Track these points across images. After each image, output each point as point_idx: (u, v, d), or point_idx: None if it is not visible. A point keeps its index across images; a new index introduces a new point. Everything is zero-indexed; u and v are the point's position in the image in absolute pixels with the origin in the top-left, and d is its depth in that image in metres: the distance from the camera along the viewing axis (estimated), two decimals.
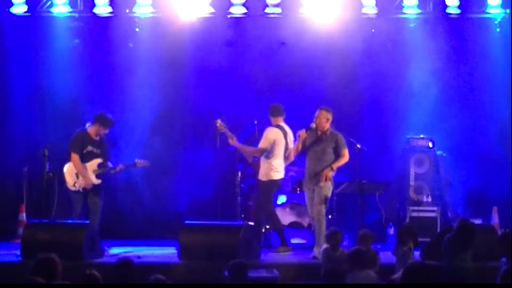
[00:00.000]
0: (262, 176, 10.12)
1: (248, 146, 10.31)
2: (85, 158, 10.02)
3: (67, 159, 10.09)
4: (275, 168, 10.10)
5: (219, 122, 10.10)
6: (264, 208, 10.04)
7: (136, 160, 10.25)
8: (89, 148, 10.04)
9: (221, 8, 12.00)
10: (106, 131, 10.11)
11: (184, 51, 12.44)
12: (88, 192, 10.00)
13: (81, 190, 9.95)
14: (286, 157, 10.28)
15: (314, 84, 12.27)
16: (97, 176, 10.05)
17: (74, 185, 9.96)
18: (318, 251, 9.22)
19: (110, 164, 10.09)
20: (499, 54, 11.94)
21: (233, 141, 10.16)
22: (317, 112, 9.81)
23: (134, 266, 6.70)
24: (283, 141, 10.18)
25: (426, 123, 11.88)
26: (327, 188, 9.64)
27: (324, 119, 9.73)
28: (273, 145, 10.07)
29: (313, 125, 9.72)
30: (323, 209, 9.56)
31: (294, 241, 10.40)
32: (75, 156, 9.96)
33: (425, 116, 11.94)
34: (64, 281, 6.19)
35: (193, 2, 11.88)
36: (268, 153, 10.05)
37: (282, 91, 11.94)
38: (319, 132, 9.77)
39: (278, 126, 10.23)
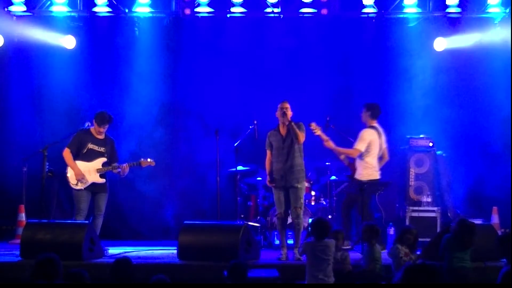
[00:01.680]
0: (362, 176, 10.16)
1: (344, 148, 10.27)
2: (87, 156, 9.97)
3: None
4: (373, 168, 10.17)
5: (313, 125, 9.96)
6: (365, 207, 10.04)
7: (141, 159, 10.21)
8: (90, 145, 10.00)
9: (221, 7, 12.03)
10: (105, 128, 10.05)
11: (184, 50, 12.45)
12: (94, 194, 9.97)
13: (83, 188, 9.92)
14: (380, 157, 10.35)
15: (313, 84, 12.28)
16: (101, 176, 10.02)
17: (77, 184, 9.92)
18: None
19: (116, 165, 10.05)
20: (499, 54, 11.92)
21: (329, 144, 10.12)
22: (283, 104, 9.60)
23: (133, 266, 6.69)
24: (378, 141, 10.25)
25: (426, 123, 11.87)
26: (303, 189, 9.64)
27: (289, 110, 9.64)
28: (369, 145, 10.13)
29: (288, 120, 9.57)
30: (302, 211, 9.60)
31: (291, 241, 10.37)
32: (66, 150, 9.96)
33: (425, 116, 11.93)
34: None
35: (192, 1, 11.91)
36: (364, 153, 10.09)
37: (282, 91, 11.92)
38: (284, 126, 9.61)
39: (373, 127, 10.26)
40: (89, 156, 9.99)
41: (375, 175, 10.24)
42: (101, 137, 10.09)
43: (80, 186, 9.90)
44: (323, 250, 7.57)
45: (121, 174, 10.10)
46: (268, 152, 9.75)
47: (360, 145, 10.14)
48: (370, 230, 8.18)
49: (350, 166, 10.47)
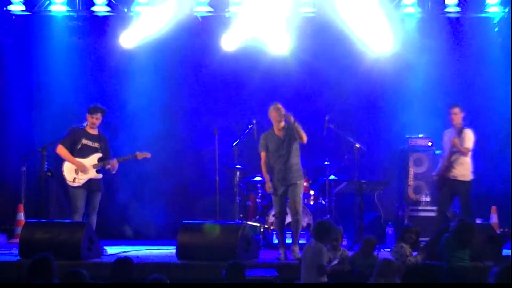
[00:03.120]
0: (466, 177, 10.16)
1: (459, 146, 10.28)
2: (82, 152, 9.94)
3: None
4: (471, 168, 10.21)
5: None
6: (470, 207, 10.08)
7: (137, 152, 10.18)
8: (84, 141, 9.96)
9: (220, 7, 12.02)
10: (98, 119, 9.97)
11: (184, 50, 12.43)
12: (90, 191, 9.94)
13: (81, 185, 9.89)
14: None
15: (313, 83, 12.27)
16: (98, 171, 9.99)
17: (73, 181, 9.89)
18: (297, 250, 9.33)
19: (107, 160, 10.02)
20: (498, 53, 11.92)
21: (456, 140, 10.16)
22: (278, 105, 9.60)
23: (133, 265, 6.69)
24: None
25: (426, 123, 11.86)
26: (302, 186, 9.67)
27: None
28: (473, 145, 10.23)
29: (283, 123, 9.60)
30: (301, 206, 9.61)
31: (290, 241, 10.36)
32: (60, 147, 9.92)
33: (424, 115, 11.92)
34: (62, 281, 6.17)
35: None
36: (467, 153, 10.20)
37: (281, 91, 11.92)
38: (279, 128, 9.61)
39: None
40: (84, 152, 9.95)
41: (471, 175, 10.23)
42: (95, 132, 10.06)
43: (76, 183, 9.88)
44: (315, 253, 7.50)
45: (111, 170, 10.06)
46: (263, 154, 9.71)
47: (470, 144, 10.18)
48: (370, 243, 8.17)
49: (443, 166, 10.36)
